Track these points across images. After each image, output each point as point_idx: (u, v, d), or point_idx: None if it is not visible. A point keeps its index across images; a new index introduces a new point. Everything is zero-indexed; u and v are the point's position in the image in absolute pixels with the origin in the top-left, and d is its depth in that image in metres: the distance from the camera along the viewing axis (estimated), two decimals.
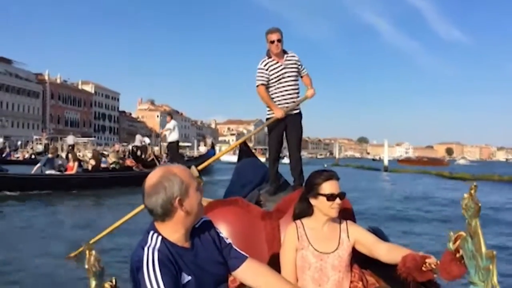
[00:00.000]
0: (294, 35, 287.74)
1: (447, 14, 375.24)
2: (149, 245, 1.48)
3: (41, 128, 70.85)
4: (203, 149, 56.88)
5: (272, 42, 3.91)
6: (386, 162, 38.19)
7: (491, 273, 1.40)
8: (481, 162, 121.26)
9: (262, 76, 3.96)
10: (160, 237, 1.52)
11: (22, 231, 7.37)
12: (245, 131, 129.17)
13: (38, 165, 13.31)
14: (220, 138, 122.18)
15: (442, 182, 23.72)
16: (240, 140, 4.39)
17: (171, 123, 14.48)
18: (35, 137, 45.59)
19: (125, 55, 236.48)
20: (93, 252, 1.42)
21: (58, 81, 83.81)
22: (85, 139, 43.23)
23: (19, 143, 40.36)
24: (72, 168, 13.17)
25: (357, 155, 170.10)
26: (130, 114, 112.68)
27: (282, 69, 3.97)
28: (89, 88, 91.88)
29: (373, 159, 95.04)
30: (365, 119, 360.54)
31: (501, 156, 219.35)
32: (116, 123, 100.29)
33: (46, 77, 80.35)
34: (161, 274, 1.40)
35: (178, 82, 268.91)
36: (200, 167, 4.42)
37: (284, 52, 4.02)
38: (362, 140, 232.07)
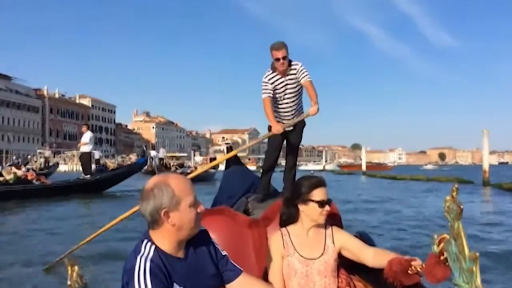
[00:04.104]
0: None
1: (437, 19, 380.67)
2: (142, 254, 1.48)
3: (41, 142, 73.04)
4: (198, 158, 59.29)
5: (278, 59, 3.69)
6: (364, 167, 40.89)
7: (474, 275, 1.41)
8: (455, 166, 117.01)
9: (267, 89, 3.82)
10: (153, 246, 1.51)
11: None
12: (239, 140, 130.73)
13: None
14: (215, 148, 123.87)
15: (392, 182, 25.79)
16: (234, 152, 4.22)
17: (87, 135, 14.47)
18: (38, 150, 47.40)
19: (120, 68, 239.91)
20: (76, 267, 1.33)
21: (57, 95, 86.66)
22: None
23: (29, 157, 42.14)
24: None
25: (350, 161, 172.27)
26: (126, 126, 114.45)
27: (285, 85, 3.84)
28: (86, 101, 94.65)
29: None
30: (360, 125, 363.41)
31: (493, 160, 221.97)
32: (113, 135, 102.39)
33: (45, 92, 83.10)
34: (151, 284, 1.41)
35: (173, 93, 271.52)
36: (189, 176, 4.45)
37: (289, 64, 3.78)
38: (356, 147, 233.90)
